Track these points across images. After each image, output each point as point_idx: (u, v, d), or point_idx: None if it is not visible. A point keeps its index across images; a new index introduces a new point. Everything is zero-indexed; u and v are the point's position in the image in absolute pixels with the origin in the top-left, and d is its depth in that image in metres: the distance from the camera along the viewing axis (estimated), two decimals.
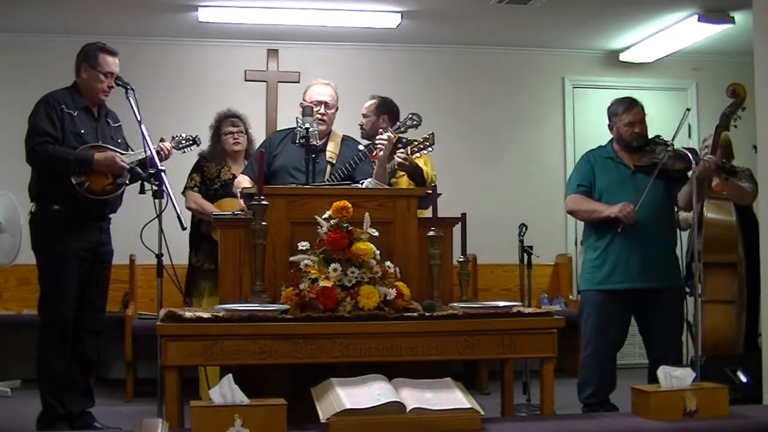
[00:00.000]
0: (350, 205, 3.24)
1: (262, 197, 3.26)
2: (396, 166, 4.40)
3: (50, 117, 4.13)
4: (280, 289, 3.24)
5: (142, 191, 4.09)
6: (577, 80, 7.25)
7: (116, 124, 4.45)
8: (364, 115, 5.20)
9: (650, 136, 4.55)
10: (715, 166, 4.54)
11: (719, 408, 3.18)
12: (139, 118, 4.12)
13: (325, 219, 3.25)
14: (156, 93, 6.23)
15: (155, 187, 3.99)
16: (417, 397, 2.94)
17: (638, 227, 4.33)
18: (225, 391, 2.78)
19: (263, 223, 3.23)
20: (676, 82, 7.35)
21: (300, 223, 3.38)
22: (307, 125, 3.87)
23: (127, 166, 4.19)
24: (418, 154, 4.27)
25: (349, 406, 2.83)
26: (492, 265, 6.56)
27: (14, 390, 5.69)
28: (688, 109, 5.22)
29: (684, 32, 6.42)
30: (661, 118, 5.57)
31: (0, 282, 6.25)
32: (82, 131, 4.21)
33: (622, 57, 7.14)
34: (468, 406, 2.95)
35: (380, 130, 4.62)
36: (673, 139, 4.48)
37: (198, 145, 4.88)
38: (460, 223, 3.65)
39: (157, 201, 3.95)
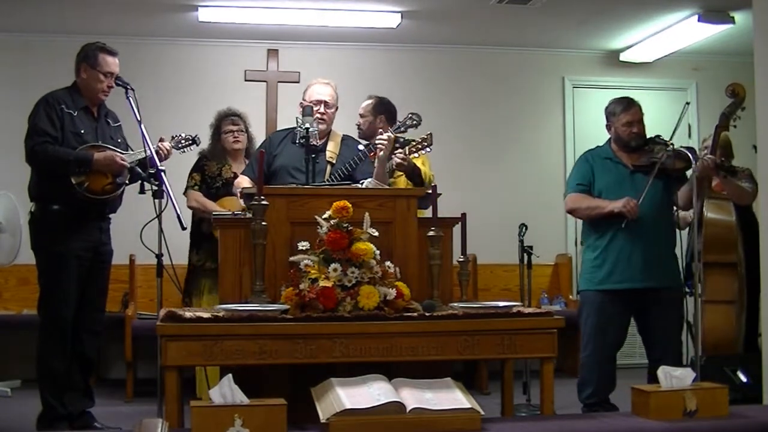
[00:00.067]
0: (350, 205, 3.24)
1: (262, 197, 3.26)
2: (394, 166, 4.40)
3: (50, 117, 4.13)
4: (280, 289, 3.24)
5: (142, 191, 4.10)
6: (577, 80, 7.25)
7: (116, 124, 4.45)
8: (361, 115, 5.19)
9: (649, 135, 4.56)
10: (714, 165, 4.53)
11: (719, 408, 3.18)
12: (139, 118, 4.13)
13: (325, 219, 3.25)
14: (156, 93, 6.24)
15: (155, 187, 3.99)
16: (417, 397, 2.94)
17: (638, 226, 4.34)
18: (225, 391, 2.78)
19: (263, 223, 3.23)
20: (676, 82, 7.34)
21: (300, 223, 3.37)
22: (307, 125, 3.86)
23: (128, 165, 4.19)
24: (416, 154, 4.26)
25: (349, 406, 2.83)
26: (492, 265, 6.56)
27: (14, 390, 5.68)
28: (688, 103, 5.22)
29: (684, 32, 6.42)
30: (661, 118, 5.56)
31: (0, 282, 6.25)
32: (82, 131, 4.20)
33: (622, 57, 7.14)
34: (468, 406, 2.95)
35: (379, 130, 4.63)
36: (672, 136, 4.49)
37: (197, 145, 4.89)
38: (460, 223, 3.65)
39: (156, 201, 3.95)
